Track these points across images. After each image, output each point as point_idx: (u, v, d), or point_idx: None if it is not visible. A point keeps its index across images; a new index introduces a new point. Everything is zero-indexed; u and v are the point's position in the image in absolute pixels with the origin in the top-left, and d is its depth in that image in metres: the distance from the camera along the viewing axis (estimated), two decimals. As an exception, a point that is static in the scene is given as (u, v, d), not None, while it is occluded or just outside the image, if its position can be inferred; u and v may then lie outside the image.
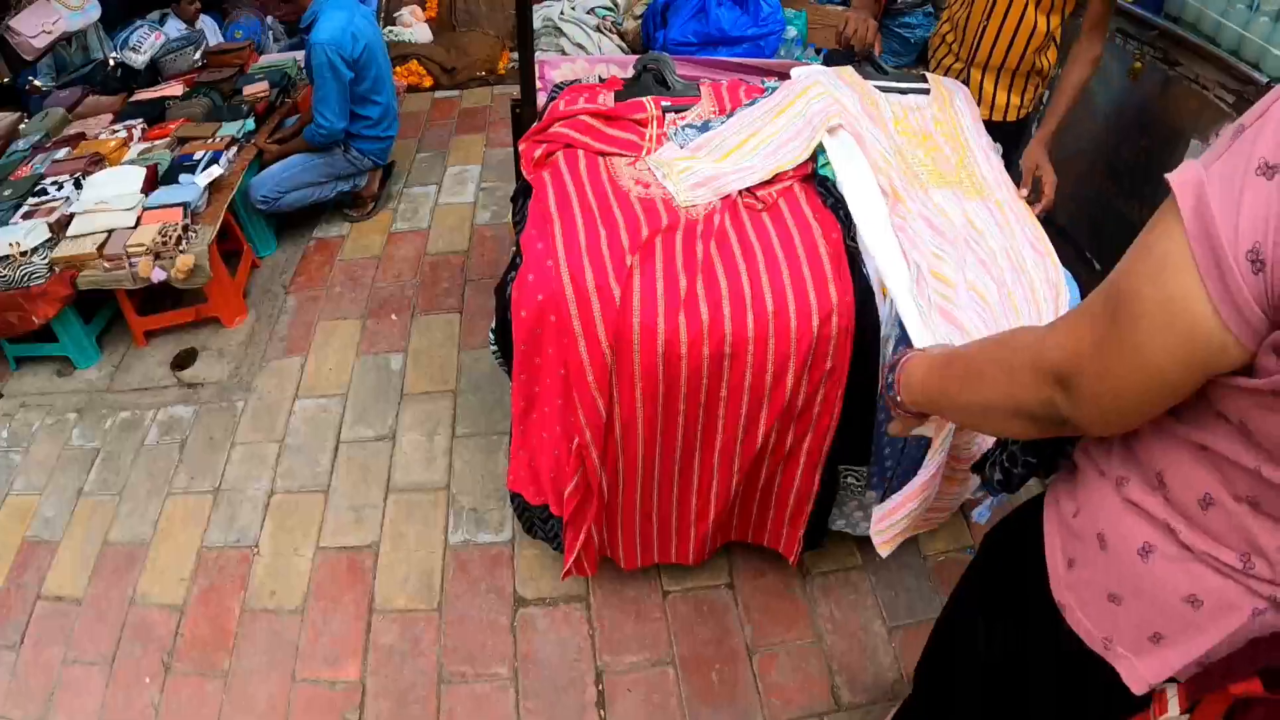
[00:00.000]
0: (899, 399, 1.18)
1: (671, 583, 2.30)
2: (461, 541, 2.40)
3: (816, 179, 2.00)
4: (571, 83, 2.28)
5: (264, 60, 3.72)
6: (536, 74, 2.48)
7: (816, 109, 2.08)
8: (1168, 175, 0.75)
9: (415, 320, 3.09)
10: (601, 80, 2.34)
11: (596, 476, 1.94)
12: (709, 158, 2.00)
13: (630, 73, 2.30)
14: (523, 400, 1.92)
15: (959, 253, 1.86)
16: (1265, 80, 2.19)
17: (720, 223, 1.88)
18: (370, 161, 3.33)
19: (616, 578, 2.28)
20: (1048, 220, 3.01)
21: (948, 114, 2.24)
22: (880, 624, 2.26)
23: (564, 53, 3.69)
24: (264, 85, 3.43)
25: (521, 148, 2.08)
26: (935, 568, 2.39)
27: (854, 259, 1.84)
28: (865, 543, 2.38)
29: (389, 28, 3.90)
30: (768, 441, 1.94)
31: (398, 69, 3.74)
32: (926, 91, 2.23)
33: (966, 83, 2.53)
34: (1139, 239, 0.77)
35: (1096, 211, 2.78)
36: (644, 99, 2.10)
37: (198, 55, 3.62)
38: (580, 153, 2.03)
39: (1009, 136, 2.47)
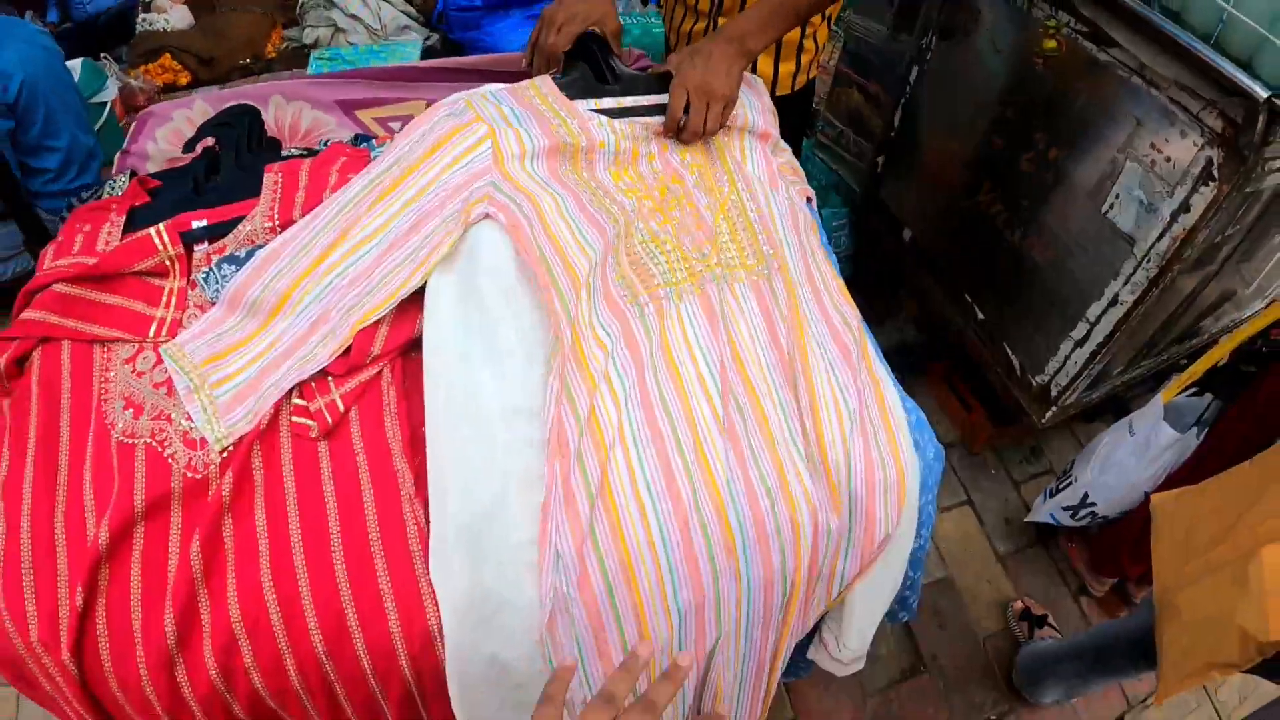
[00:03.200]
0: None
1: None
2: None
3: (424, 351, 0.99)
4: (93, 192, 1.21)
5: None
6: (126, 140, 1.40)
7: (456, 182, 1.03)
8: None
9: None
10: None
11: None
12: (248, 323, 0.99)
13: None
14: None
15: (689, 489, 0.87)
16: (1265, 95, 1.07)
17: (240, 478, 0.93)
18: (64, 220, 2.25)
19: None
20: (914, 243, 1.90)
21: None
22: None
23: (338, 26, 2.48)
24: None
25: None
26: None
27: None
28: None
29: (144, 15, 2.72)
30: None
31: (149, 66, 2.61)
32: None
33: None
34: None
35: (979, 241, 1.67)
36: (152, 230, 1.05)
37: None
38: (66, 350, 1.04)
39: (788, 116, 1.34)
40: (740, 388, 0.93)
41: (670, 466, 0.86)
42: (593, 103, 1.15)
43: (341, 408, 0.94)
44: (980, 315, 1.71)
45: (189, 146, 1.23)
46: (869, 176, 1.86)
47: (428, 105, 1.46)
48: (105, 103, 2.42)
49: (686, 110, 1.10)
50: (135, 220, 1.11)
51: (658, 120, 1.15)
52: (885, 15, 1.77)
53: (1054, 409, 1.62)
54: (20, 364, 1.08)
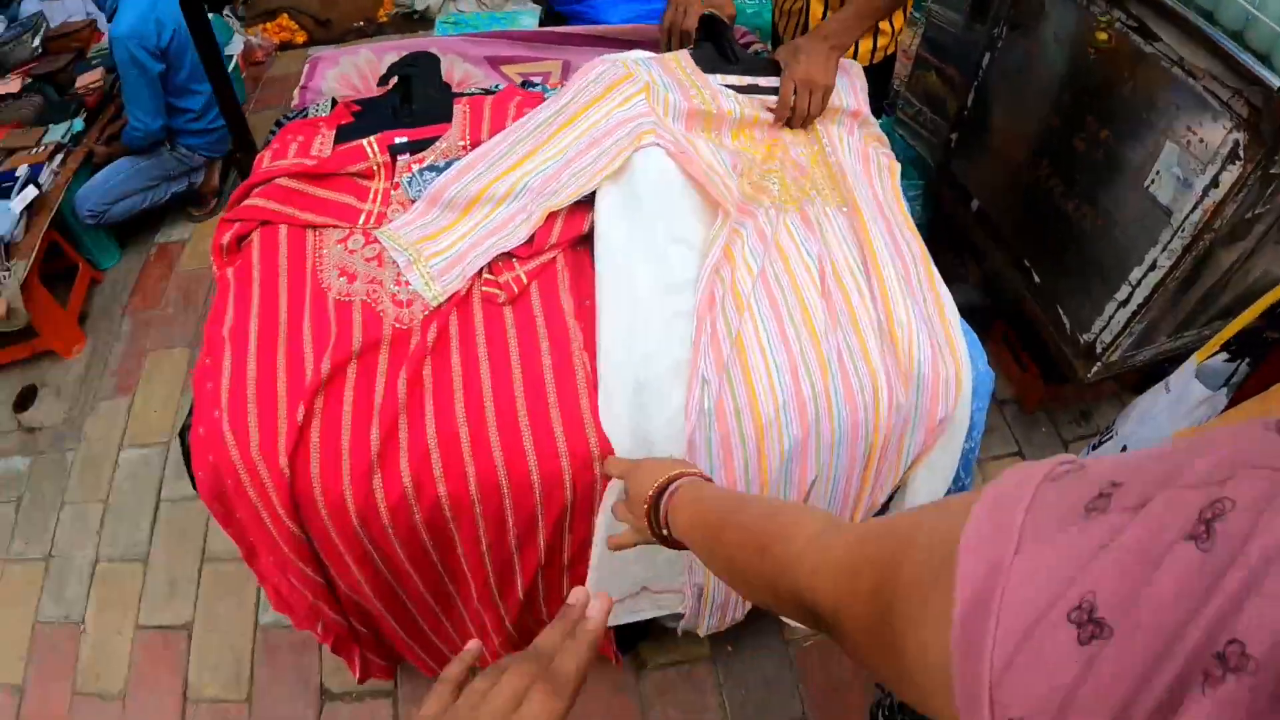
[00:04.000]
0: (666, 532, 0.78)
1: (487, 679, 1.84)
2: (272, 621, 1.97)
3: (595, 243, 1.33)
4: (301, 113, 1.57)
5: (105, 41, 2.94)
6: (303, 78, 1.77)
7: (620, 118, 1.36)
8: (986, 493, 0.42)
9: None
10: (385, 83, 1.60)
11: (342, 625, 1.46)
12: (448, 214, 1.33)
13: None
14: (243, 548, 1.40)
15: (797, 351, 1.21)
16: (1278, 85, 1.36)
17: (441, 332, 1.25)
18: (202, 157, 2.68)
19: (427, 670, 1.85)
20: (980, 213, 2.21)
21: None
22: (721, 729, 1.77)
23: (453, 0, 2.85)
24: (99, 73, 2.72)
25: (216, 228, 1.44)
26: (800, 655, 1.86)
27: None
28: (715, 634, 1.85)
29: (258, -23, 3.12)
30: (534, 593, 1.41)
31: (266, 25, 2.99)
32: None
33: (806, 21, 1.73)
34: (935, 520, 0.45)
35: (1037, 211, 1.98)
36: (364, 140, 1.40)
37: (36, 41, 2.88)
38: (283, 231, 1.38)
39: (869, 86, 1.64)
40: (832, 277, 1.26)
41: (784, 328, 1.18)
42: (720, 77, 1.47)
43: (525, 280, 1.27)
44: (1036, 279, 2.00)
45: (383, 81, 1.57)
46: (942, 152, 2.18)
47: (564, 66, 1.82)
48: (232, 55, 2.83)
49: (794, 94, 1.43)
50: (341, 136, 1.46)
51: (770, 99, 1.47)
52: (962, 5, 2.10)
53: (1098, 365, 1.90)
54: (239, 243, 1.43)
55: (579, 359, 1.22)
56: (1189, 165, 1.60)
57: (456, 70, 1.76)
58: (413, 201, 1.36)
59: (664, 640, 1.86)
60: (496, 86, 1.54)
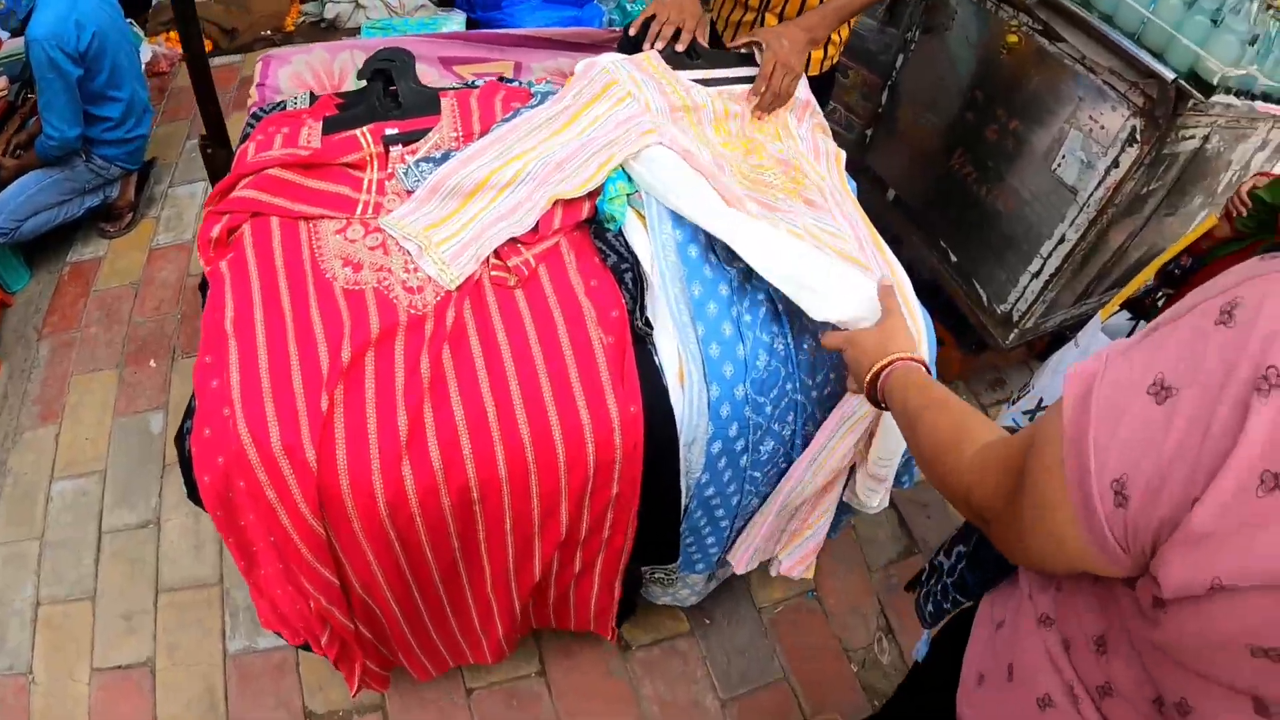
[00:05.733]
0: (881, 402, 0.98)
1: (475, 679, 1.81)
2: (242, 649, 1.84)
3: (594, 227, 1.35)
4: (278, 106, 1.52)
5: (6, 48, 2.71)
6: (257, 76, 1.70)
7: (620, 117, 1.39)
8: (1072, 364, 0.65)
9: (176, 365, 2.32)
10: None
11: (349, 631, 1.39)
12: (450, 202, 1.31)
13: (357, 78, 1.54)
14: (242, 559, 1.29)
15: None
16: (1172, 77, 1.55)
17: (457, 316, 1.23)
18: (119, 169, 2.49)
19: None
20: (897, 201, 2.39)
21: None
22: (713, 697, 1.82)
23: (358, 3, 2.78)
24: (2, 82, 2.49)
25: (203, 221, 1.37)
26: (773, 621, 1.94)
27: (641, 346, 1.24)
28: (693, 608, 1.90)
29: (163, -15, 2.95)
30: (548, 571, 1.40)
31: (171, 34, 2.83)
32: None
33: None
34: (1050, 411, 0.61)
35: (952, 197, 2.16)
36: (357, 131, 1.37)
37: (-78, 51, 2.60)
38: (275, 222, 1.33)
39: (815, 93, 1.74)
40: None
41: None
42: (687, 74, 1.52)
43: (533, 263, 1.27)
44: (954, 258, 2.18)
45: (360, 75, 1.53)
46: (858, 147, 2.34)
47: (515, 67, 1.84)
48: (142, 64, 2.64)
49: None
50: (329, 127, 1.41)
51: (736, 88, 1.54)
52: (876, 10, 2.27)
53: (1015, 331, 2.09)
54: (229, 235, 1.34)
55: (594, 333, 1.23)
56: (1091, 149, 1.79)
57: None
58: (409, 192, 1.34)
59: (646, 620, 1.89)
60: (475, 83, 1.54)
